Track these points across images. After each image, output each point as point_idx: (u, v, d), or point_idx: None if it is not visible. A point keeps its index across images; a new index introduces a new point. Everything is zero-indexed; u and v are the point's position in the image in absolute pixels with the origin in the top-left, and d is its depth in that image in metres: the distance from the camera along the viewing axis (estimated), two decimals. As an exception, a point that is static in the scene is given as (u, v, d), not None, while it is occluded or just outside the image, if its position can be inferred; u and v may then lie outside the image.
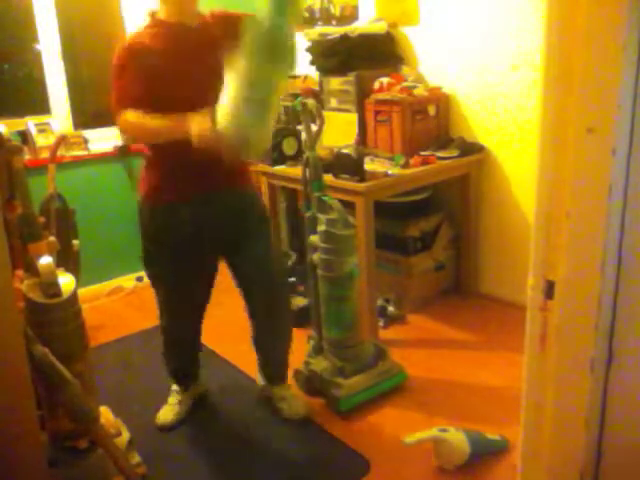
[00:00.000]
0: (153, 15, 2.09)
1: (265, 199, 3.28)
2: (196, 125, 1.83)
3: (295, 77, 3.76)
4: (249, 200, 2.24)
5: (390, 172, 2.80)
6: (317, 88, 3.41)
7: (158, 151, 2.08)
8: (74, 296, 1.70)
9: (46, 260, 1.65)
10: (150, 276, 2.27)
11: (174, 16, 2.05)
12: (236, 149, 1.83)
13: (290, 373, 2.48)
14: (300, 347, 2.67)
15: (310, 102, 2.42)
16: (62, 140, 3.00)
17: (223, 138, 1.79)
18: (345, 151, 2.78)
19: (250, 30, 1.78)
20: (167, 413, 2.38)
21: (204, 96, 1.87)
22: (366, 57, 3.25)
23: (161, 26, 2.05)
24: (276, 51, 1.78)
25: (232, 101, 1.79)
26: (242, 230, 2.17)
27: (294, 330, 2.42)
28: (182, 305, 2.27)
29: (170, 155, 2.03)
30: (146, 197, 2.15)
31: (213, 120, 1.81)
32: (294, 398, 2.40)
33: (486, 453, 2.09)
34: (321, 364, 2.47)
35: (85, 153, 3.53)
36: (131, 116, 1.95)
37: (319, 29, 3.49)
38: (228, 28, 1.95)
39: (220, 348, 2.90)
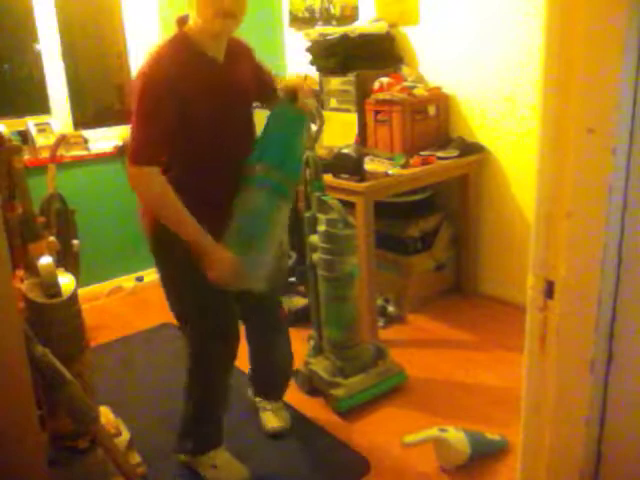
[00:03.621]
0: (185, 36, 1.72)
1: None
2: (219, 265, 1.75)
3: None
4: None
5: (390, 172, 2.80)
6: (317, 88, 3.41)
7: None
8: (74, 296, 1.70)
9: (46, 260, 1.65)
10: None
11: (210, 49, 1.74)
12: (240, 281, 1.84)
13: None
14: (300, 347, 2.68)
15: (310, 102, 2.42)
16: (62, 140, 3.01)
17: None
18: (345, 151, 2.78)
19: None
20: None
21: (242, 147, 1.83)
22: (366, 57, 3.26)
23: (192, 57, 1.71)
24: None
25: (236, 240, 1.80)
26: None
27: (294, 331, 2.41)
28: None
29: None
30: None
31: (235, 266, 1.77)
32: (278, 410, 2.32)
33: (486, 453, 2.09)
34: (321, 364, 2.47)
35: (85, 153, 3.53)
36: (162, 184, 1.69)
37: (319, 29, 3.49)
38: (256, 74, 1.90)
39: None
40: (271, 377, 2.36)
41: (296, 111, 1.89)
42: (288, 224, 2.03)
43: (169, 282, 1.95)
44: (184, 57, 1.70)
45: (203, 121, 1.73)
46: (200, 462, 2.07)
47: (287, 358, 2.32)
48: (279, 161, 1.84)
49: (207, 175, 1.82)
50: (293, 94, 1.89)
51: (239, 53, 1.86)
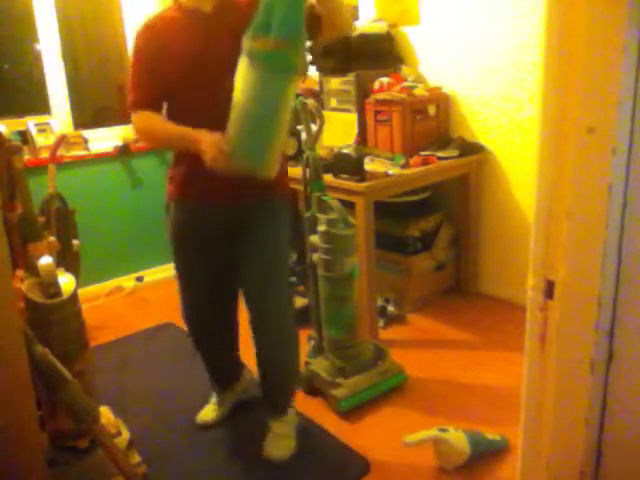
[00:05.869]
0: None
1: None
2: (208, 147, 1.74)
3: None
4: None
5: (390, 172, 2.80)
6: (317, 88, 3.41)
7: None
8: (74, 296, 1.70)
9: (46, 260, 1.65)
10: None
11: (191, 1, 1.91)
12: (244, 171, 1.79)
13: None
14: (300, 347, 2.67)
15: (310, 102, 2.42)
16: (62, 140, 3.01)
17: (231, 163, 1.75)
18: (345, 151, 2.78)
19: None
20: (208, 412, 2.37)
21: (219, 90, 1.78)
22: (366, 57, 3.25)
23: (178, 11, 1.92)
24: (275, 61, 1.68)
25: (234, 120, 1.74)
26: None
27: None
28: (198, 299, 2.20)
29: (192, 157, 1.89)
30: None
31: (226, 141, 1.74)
32: (281, 438, 2.18)
33: (486, 453, 2.09)
34: (321, 364, 2.47)
35: (85, 153, 3.53)
36: (146, 117, 1.90)
37: (319, 29, 3.48)
38: (250, 13, 1.73)
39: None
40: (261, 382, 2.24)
41: None
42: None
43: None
44: (166, 12, 1.97)
45: (178, 64, 1.88)
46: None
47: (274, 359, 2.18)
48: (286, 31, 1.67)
49: (187, 118, 1.87)
50: None
51: (232, 7, 1.92)
